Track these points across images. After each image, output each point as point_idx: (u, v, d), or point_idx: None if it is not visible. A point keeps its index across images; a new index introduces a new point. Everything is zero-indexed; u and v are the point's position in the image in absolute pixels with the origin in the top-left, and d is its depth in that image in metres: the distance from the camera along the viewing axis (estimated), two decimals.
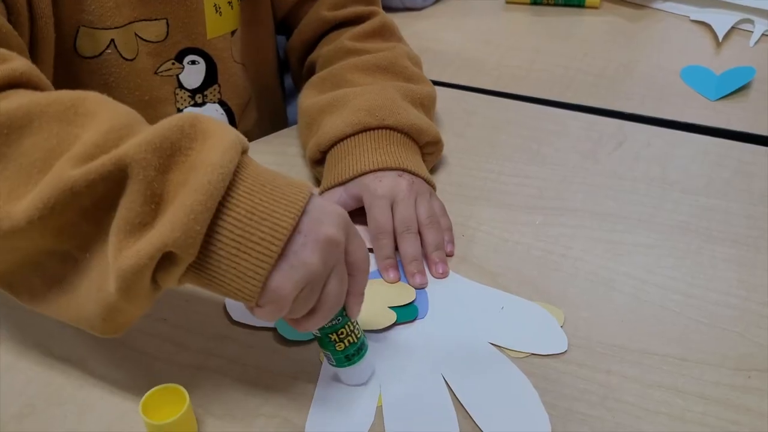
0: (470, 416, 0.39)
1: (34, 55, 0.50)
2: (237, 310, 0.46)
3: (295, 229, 0.35)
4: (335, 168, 0.53)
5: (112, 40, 0.54)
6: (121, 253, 0.33)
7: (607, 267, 0.49)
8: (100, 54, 0.54)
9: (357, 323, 0.40)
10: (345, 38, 0.62)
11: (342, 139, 0.54)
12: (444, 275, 0.48)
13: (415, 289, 0.47)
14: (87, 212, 0.34)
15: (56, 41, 0.51)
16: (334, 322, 0.38)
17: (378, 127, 0.54)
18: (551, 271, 0.48)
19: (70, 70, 0.54)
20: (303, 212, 0.35)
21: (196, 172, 0.33)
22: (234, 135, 0.35)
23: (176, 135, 0.34)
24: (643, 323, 0.45)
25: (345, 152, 0.53)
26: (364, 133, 0.53)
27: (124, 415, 0.40)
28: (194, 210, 0.33)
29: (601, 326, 0.44)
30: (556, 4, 0.84)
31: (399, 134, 0.54)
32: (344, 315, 0.39)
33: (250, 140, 0.55)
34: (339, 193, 0.52)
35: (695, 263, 0.49)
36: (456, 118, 0.65)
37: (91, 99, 0.37)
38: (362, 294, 0.39)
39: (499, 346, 0.43)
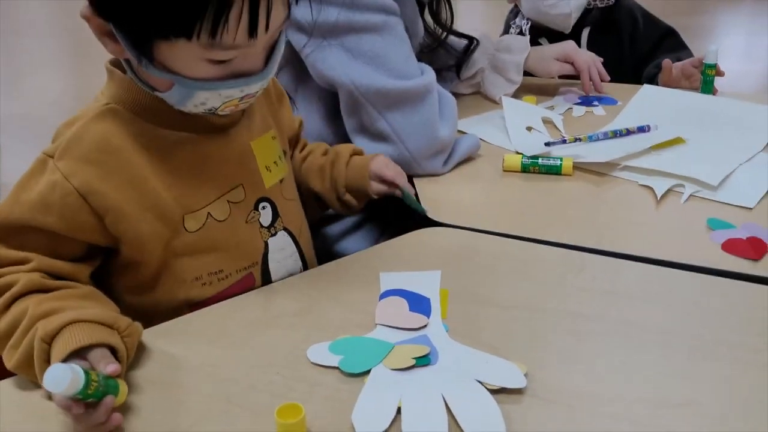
0: (455, 419, 0.62)
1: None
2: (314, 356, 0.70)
3: None
4: None
5: (209, 213, 0.81)
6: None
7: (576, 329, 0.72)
8: (203, 225, 0.80)
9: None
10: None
11: None
12: None
13: None
14: None
15: (168, 229, 0.78)
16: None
17: None
18: (532, 347, 0.72)
19: (186, 241, 0.79)
20: None
21: None
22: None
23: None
24: (610, 371, 0.68)
25: None
26: None
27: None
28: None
29: (570, 375, 0.67)
30: (540, 172, 1.13)
31: None
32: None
33: (305, 256, 0.92)
34: None
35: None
36: (458, 254, 0.90)
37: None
38: None
39: (481, 382, 0.67)
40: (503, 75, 1.39)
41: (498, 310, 0.78)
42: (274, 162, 0.88)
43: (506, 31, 1.65)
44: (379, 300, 0.80)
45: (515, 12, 1.64)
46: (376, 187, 0.99)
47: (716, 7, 5.51)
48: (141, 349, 0.73)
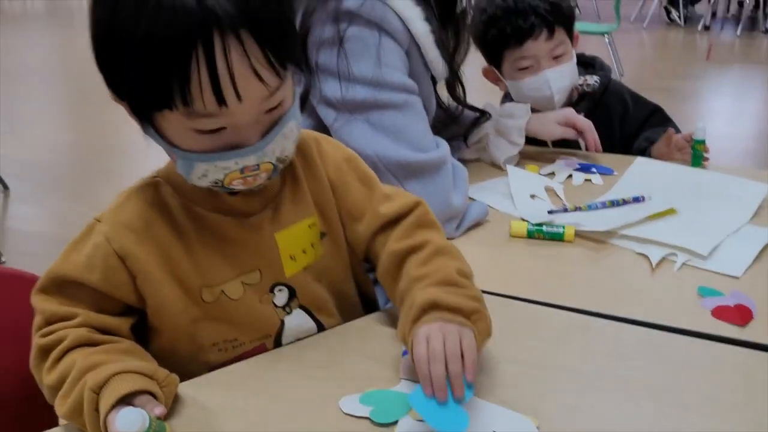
0: None
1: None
2: (346, 407, 0.78)
3: None
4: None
5: (222, 291, 0.88)
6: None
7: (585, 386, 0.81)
8: (217, 299, 0.87)
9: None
10: (410, 268, 0.88)
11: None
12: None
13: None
14: None
15: (187, 296, 0.86)
16: None
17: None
18: (543, 400, 0.80)
19: (203, 308, 0.87)
20: None
21: None
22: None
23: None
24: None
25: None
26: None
27: None
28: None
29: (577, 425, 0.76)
30: (544, 238, 1.22)
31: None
32: None
33: (326, 327, 0.93)
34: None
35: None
36: None
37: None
38: None
39: None
40: (506, 138, 1.49)
41: (509, 366, 0.87)
42: (303, 250, 0.90)
43: None
44: (403, 356, 0.88)
45: (509, 96, 1.69)
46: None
47: (705, 70, 5.71)
48: (183, 399, 0.80)
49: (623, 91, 1.69)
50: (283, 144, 0.80)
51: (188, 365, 0.88)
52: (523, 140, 1.49)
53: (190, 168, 0.79)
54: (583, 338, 0.93)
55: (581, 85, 1.66)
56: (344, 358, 0.88)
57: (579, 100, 1.66)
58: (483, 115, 1.45)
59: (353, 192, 0.94)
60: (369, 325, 0.96)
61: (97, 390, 0.74)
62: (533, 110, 1.51)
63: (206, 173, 0.79)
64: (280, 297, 0.91)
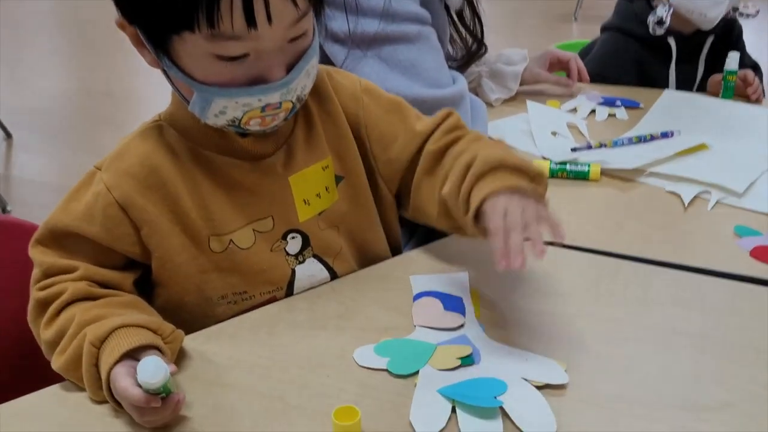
0: (509, 416, 0.65)
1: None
2: (361, 358, 0.73)
3: None
4: None
5: (231, 240, 0.82)
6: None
7: (609, 338, 0.75)
8: (226, 249, 0.82)
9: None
10: (452, 151, 0.86)
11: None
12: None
13: None
14: None
15: (195, 246, 0.81)
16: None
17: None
18: (571, 346, 0.75)
19: (211, 259, 0.81)
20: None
21: None
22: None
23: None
24: (640, 378, 0.70)
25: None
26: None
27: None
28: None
29: (607, 379, 0.70)
30: (568, 177, 1.15)
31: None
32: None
33: (340, 274, 0.87)
34: None
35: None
36: (487, 260, 0.93)
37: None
38: None
39: (526, 379, 0.70)
40: (501, 83, 1.45)
41: (531, 314, 0.81)
42: (317, 194, 0.85)
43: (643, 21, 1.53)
44: (414, 301, 0.83)
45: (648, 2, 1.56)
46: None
47: None
48: (188, 353, 0.76)
49: (741, 34, 1.60)
50: (305, 81, 0.76)
51: (195, 321, 0.83)
52: (517, 86, 1.46)
53: (207, 104, 0.73)
54: (613, 283, 0.87)
55: (736, 10, 1.55)
56: (358, 307, 0.83)
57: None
58: (482, 48, 1.36)
59: (380, 120, 0.89)
60: (384, 271, 0.90)
61: (98, 344, 0.69)
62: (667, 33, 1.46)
63: (224, 110, 0.74)
64: (293, 245, 0.85)
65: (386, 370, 0.72)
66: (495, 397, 0.68)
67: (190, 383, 0.71)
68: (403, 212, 0.95)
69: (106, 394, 0.68)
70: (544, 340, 0.77)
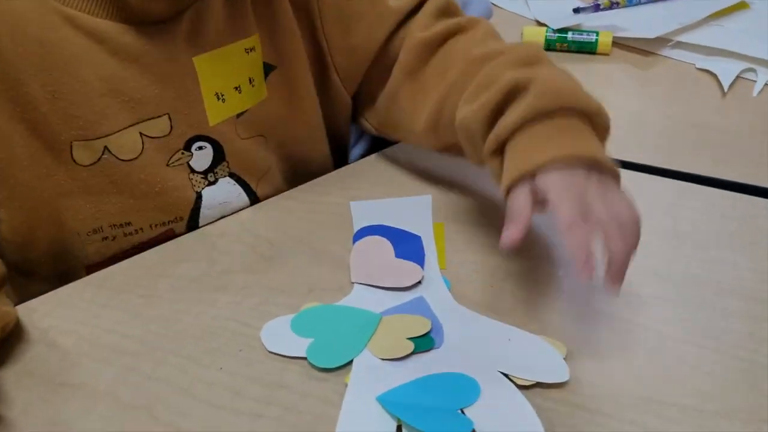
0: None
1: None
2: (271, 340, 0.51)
3: None
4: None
5: (105, 147, 0.57)
6: None
7: (624, 318, 0.53)
8: (98, 160, 0.57)
9: None
10: (473, 50, 0.59)
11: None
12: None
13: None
14: None
15: (50, 156, 0.56)
16: None
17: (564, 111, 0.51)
18: (573, 321, 0.53)
19: (75, 175, 0.57)
20: None
21: None
22: None
23: None
24: (659, 374, 0.49)
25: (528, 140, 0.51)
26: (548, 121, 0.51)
27: None
28: None
29: (619, 375, 0.48)
30: (569, 50, 0.89)
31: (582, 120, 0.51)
32: None
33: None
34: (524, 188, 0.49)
35: (707, 316, 0.53)
36: (457, 174, 0.69)
37: None
38: None
39: (507, 374, 0.48)
40: None
41: (520, 263, 0.58)
42: (236, 87, 0.61)
43: None
44: (354, 242, 0.59)
45: None
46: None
47: None
48: (31, 334, 0.53)
49: None
50: None
51: (55, 264, 0.61)
52: None
53: None
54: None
55: None
56: (276, 253, 0.59)
57: None
58: None
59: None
60: (317, 194, 0.66)
61: None
62: None
63: None
64: (201, 158, 0.61)
65: (305, 359, 0.50)
66: (462, 410, 0.46)
67: (23, 383, 0.49)
68: (361, 121, 0.71)
69: None
70: (533, 303, 0.54)
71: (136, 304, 0.55)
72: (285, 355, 0.50)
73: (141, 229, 0.61)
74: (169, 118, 0.59)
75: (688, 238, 0.60)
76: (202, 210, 0.63)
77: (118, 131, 0.57)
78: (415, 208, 0.63)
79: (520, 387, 0.47)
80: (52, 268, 0.61)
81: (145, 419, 0.46)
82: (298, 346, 0.50)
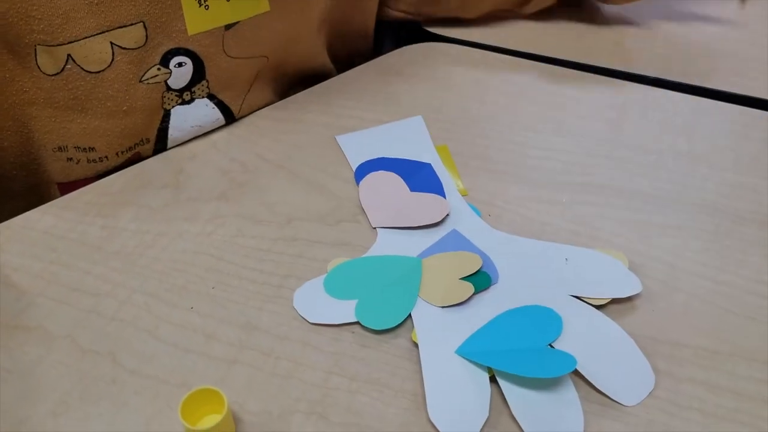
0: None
1: None
2: (311, 311, 0.45)
3: None
4: None
5: (69, 55, 0.50)
6: None
7: (637, 251, 0.48)
8: (62, 70, 0.51)
9: None
10: None
11: None
12: None
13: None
14: None
15: (14, 59, 0.49)
16: None
17: None
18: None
19: (40, 84, 0.51)
20: None
21: None
22: None
23: None
24: (673, 313, 0.44)
25: None
26: None
27: (160, 412, 0.40)
28: None
29: (630, 315, 0.44)
30: None
31: None
32: None
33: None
34: None
35: (724, 247, 0.48)
36: (476, 80, 0.63)
37: None
38: None
39: (579, 297, 0.44)
40: None
41: (531, 188, 0.53)
42: None
43: None
44: (358, 183, 0.54)
45: None
46: None
47: None
48: None
49: None
50: None
51: (27, 176, 0.56)
52: None
53: None
54: (635, 118, 0.58)
55: None
56: (252, 174, 0.54)
57: None
58: None
59: None
60: (296, 111, 0.60)
61: None
62: None
63: None
64: (180, 75, 0.55)
65: (356, 324, 0.44)
66: (550, 345, 0.41)
67: None
68: (387, 11, 0.65)
69: None
70: (571, 220, 0.49)
71: (97, 236, 0.50)
72: (329, 324, 0.44)
73: (106, 157, 0.55)
74: (144, 27, 0.52)
75: (704, 159, 0.55)
76: (170, 131, 0.57)
77: (84, 38, 0.50)
78: (410, 133, 0.57)
79: (596, 306, 0.43)
80: (24, 181, 0.56)
81: (108, 365, 0.42)
82: (344, 310, 0.44)
